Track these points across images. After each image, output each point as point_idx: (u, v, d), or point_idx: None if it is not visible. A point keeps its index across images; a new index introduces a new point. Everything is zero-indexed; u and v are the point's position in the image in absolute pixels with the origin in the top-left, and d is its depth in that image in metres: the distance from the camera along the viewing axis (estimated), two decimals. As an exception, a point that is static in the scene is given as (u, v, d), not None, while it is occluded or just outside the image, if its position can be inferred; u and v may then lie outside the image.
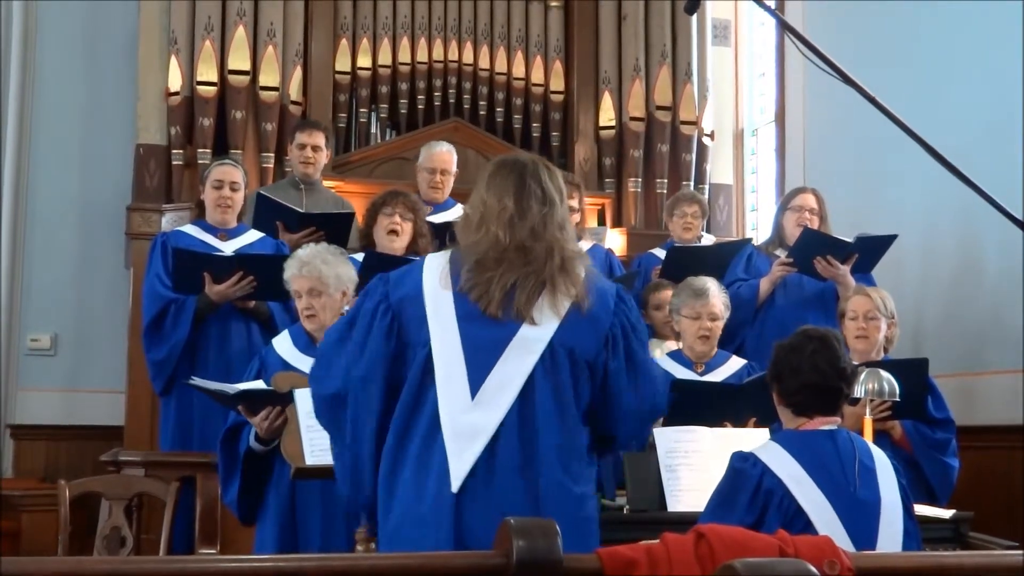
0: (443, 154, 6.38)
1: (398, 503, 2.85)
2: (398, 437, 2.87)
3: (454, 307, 2.87)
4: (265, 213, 5.64)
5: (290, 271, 4.34)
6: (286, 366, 4.20)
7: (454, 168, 6.36)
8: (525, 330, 2.84)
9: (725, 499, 3.21)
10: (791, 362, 3.30)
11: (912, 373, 4.62)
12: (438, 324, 2.86)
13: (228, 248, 5.49)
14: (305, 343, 4.31)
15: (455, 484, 2.77)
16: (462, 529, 2.76)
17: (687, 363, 4.94)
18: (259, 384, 4.08)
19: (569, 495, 2.82)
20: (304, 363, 4.18)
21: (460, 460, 2.78)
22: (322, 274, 4.25)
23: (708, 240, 6.67)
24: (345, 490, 3.01)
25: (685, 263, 5.87)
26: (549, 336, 2.84)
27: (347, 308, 4.29)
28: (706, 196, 7.87)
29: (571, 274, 2.89)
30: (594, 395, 2.93)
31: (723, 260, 5.93)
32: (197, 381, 4.33)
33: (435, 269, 2.94)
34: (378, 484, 2.90)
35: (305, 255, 4.35)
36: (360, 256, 5.31)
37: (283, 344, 4.35)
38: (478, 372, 2.82)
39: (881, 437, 4.49)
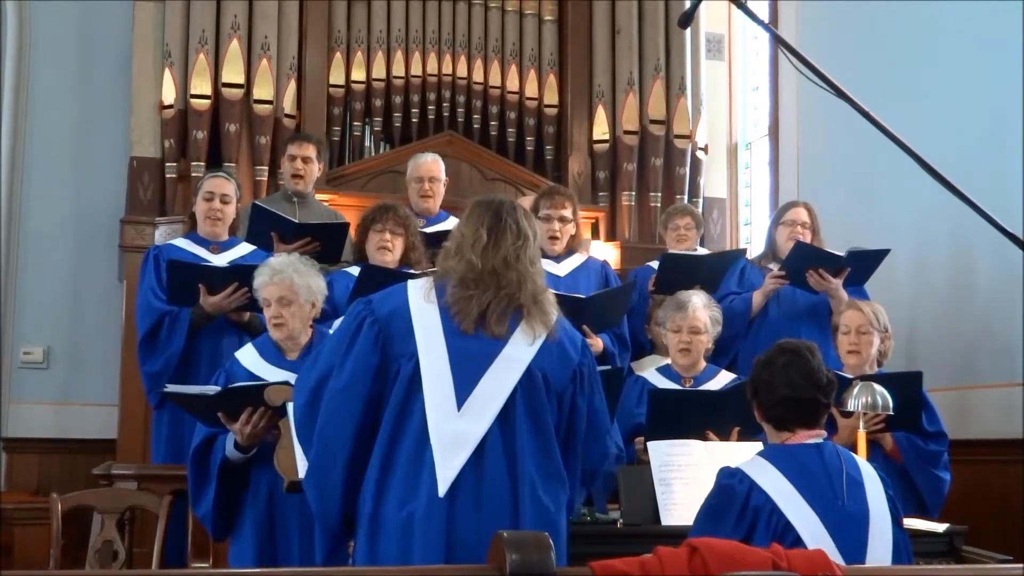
0: (429, 163, 6.36)
1: (388, 507, 2.94)
2: (387, 445, 2.97)
3: (440, 321, 3.01)
4: (260, 224, 5.63)
5: (261, 279, 4.32)
6: (253, 378, 4.17)
7: (442, 176, 6.34)
8: (508, 349, 3.00)
9: (713, 516, 3.20)
10: (765, 376, 3.31)
11: (906, 386, 4.63)
12: (425, 337, 3.00)
13: (220, 261, 5.46)
14: (272, 354, 4.29)
15: (442, 489, 2.88)
16: (453, 534, 2.86)
17: (675, 377, 4.94)
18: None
19: (545, 511, 2.96)
20: (272, 374, 4.16)
21: (447, 467, 2.90)
22: (294, 283, 4.24)
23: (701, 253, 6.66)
24: (314, 503, 3.09)
25: (678, 271, 5.87)
26: (529, 359, 3.02)
27: (315, 319, 4.36)
28: (700, 210, 7.87)
29: (543, 309, 3.09)
30: (559, 424, 3.10)
31: (716, 270, 5.93)
32: (172, 388, 4.30)
33: (419, 288, 3.09)
34: (363, 492, 2.99)
35: (277, 264, 4.35)
36: (355, 270, 5.31)
37: (249, 356, 4.31)
38: (464, 384, 2.97)
39: (873, 448, 4.50)
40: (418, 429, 2.94)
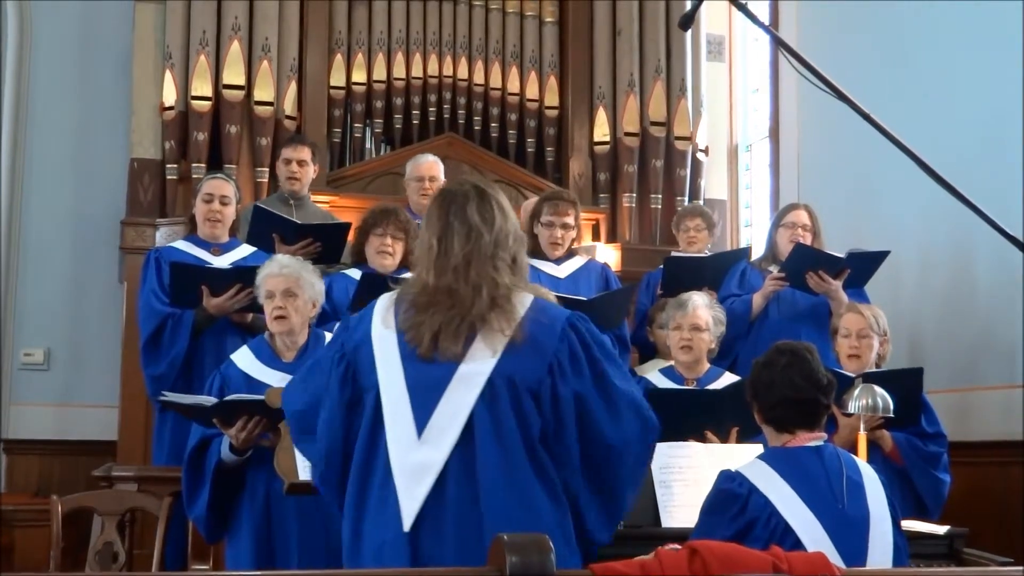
0: (429, 163, 6.41)
1: (363, 542, 2.84)
2: (359, 480, 2.87)
3: (397, 347, 2.86)
4: (261, 225, 5.63)
5: (267, 271, 4.34)
6: (248, 379, 4.18)
7: (441, 176, 6.36)
8: (464, 367, 2.82)
9: (712, 519, 3.19)
10: (764, 378, 3.30)
11: (907, 382, 4.64)
12: (384, 365, 2.86)
13: (222, 263, 5.47)
14: (268, 355, 4.29)
15: (407, 523, 2.76)
16: (419, 565, 2.73)
17: (678, 379, 4.94)
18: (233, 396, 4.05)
19: (518, 525, 2.67)
20: (267, 376, 4.17)
21: (411, 498, 2.77)
22: (301, 277, 4.28)
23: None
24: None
25: (682, 273, 5.88)
26: (489, 370, 2.81)
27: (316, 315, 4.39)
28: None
29: (505, 310, 2.85)
30: (546, 422, 2.84)
31: (720, 270, 5.93)
32: (169, 396, 4.32)
33: (381, 311, 2.95)
34: (343, 525, 2.91)
35: (285, 259, 4.42)
36: (354, 272, 5.31)
37: (244, 358, 4.31)
38: (423, 410, 2.81)
39: (873, 450, 4.49)
40: (385, 460, 2.82)
